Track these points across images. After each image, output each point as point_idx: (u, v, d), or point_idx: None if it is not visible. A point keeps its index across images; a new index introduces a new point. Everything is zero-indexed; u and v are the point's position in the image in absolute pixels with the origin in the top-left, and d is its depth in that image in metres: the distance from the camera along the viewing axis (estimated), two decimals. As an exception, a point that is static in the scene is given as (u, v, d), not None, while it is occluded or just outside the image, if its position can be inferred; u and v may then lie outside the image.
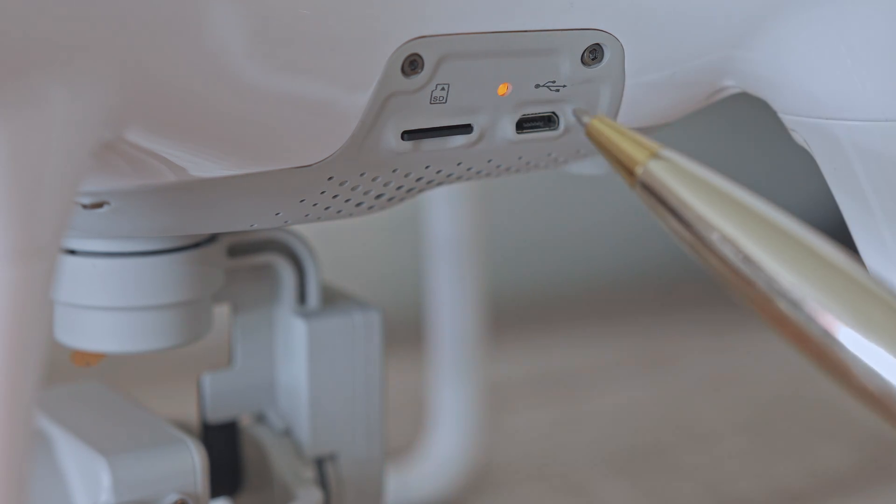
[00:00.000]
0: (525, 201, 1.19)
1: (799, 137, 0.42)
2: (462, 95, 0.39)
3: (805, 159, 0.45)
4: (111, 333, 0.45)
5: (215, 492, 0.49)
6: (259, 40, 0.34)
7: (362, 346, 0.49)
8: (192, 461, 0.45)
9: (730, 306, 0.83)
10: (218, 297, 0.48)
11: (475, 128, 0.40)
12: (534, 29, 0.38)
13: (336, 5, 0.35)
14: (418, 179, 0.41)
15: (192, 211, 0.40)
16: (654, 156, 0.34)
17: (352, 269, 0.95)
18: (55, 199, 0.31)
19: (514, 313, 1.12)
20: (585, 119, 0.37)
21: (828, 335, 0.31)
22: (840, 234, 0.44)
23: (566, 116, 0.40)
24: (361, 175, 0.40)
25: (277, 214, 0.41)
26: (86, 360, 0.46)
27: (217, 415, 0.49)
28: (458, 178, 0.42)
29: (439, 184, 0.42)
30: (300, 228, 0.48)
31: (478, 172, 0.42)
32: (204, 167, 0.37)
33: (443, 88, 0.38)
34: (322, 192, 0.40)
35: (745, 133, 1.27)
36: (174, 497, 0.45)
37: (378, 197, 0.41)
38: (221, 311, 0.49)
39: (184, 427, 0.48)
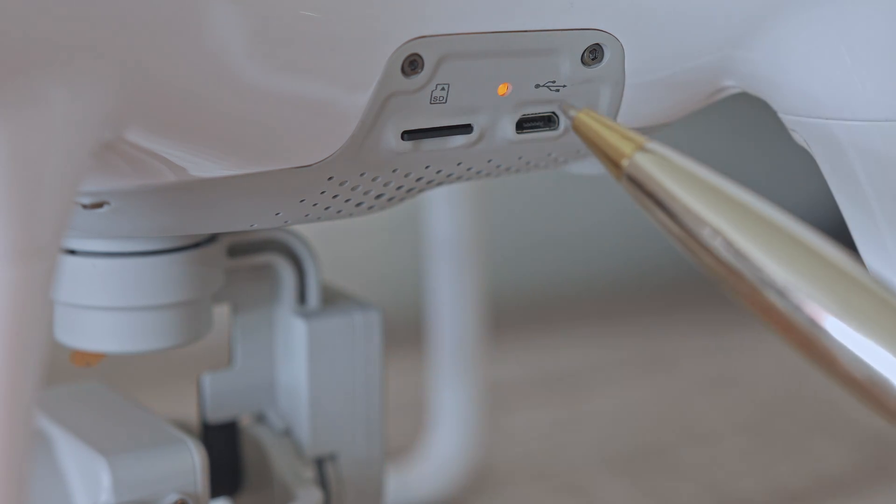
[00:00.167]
0: (525, 201, 1.19)
1: (799, 137, 0.42)
2: (462, 95, 0.39)
3: (805, 159, 0.45)
4: (111, 333, 0.45)
5: (215, 492, 0.49)
6: (259, 40, 0.34)
7: (362, 346, 0.49)
8: (192, 461, 0.45)
9: (730, 306, 0.83)
10: (218, 297, 0.48)
11: (475, 128, 0.40)
12: (534, 29, 0.38)
13: (336, 5, 0.35)
14: (418, 179, 0.41)
15: (192, 211, 0.40)
16: (640, 148, 0.35)
17: (352, 269, 0.95)
18: (55, 199, 0.31)
19: (514, 313, 1.12)
20: (572, 113, 0.37)
21: (814, 324, 0.31)
22: (840, 234, 0.44)
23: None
24: (361, 175, 0.40)
25: (277, 214, 0.41)
26: (86, 360, 0.46)
27: (217, 415, 0.49)
28: (458, 178, 0.42)
29: (439, 184, 0.42)
30: (300, 228, 0.48)
31: (478, 172, 0.42)
32: (204, 167, 0.37)
33: (443, 88, 0.38)
34: (322, 192, 0.40)
35: (745, 133, 1.27)
36: (174, 497, 0.45)
37: (378, 197, 0.41)
38: (221, 311, 0.49)
39: (184, 427, 0.48)
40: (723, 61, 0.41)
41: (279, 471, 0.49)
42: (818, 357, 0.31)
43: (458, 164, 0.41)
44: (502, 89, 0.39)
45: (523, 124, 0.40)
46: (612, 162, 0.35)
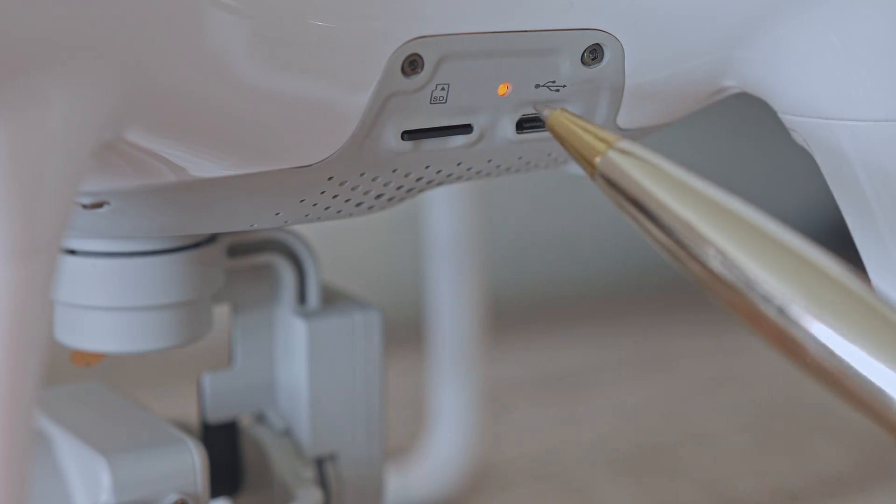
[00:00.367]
0: (525, 201, 1.19)
1: (799, 137, 0.42)
2: (462, 95, 0.39)
3: (805, 159, 0.45)
4: (111, 333, 0.45)
5: (215, 492, 0.49)
6: (259, 41, 0.34)
7: (362, 346, 0.49)
8: (192, 461, 0.45)
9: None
10: (218, 297, 0.48)
11: (475, 128, 0.40)
12: (534, 29, 0.38)
13: (336, 5, 0.35)
14: (418, 179, 0.41)
15: (192, 211, 0.40)
16: (613, 147, 0.35)
17: (352, 269, 0.95)
18: (55, 199, 0.31)
19: (514, 313, 1.12)
20: (546, 112, 0.38)
21: (781, 314, 0.31)
22: (840, 235, 0.44)
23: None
24: (361, 175, 0.40)
25: (277, 214, 0.41)
26: (86, 360, 0.46)
27: (217, 415, 0.49)
28: (458, 178, 0.42)
29: (439, 184, 0.42)
30: (300, 228, 0.48)
31: (478, 172, 0.42)
32: (204, 167, 0.37)
33: (443, 88, 0.38)
34: (322, 192, 0.40)
35: (745, 133, 1.27)
36: (174, 497, 0.45)
37: (378, 197, 0.41)
38: (221, 311, 0.49)
39: (184, 427, 0.48)
40: (723, 61, 0.41)
41: (279, 471, 0.49)
42: (786, 346, 0.31)
43: (458, 164, 0.41)
44: (502, 89, 0.39)
45: (523, 124, 0.40)
46: (585, 160, 0.36)
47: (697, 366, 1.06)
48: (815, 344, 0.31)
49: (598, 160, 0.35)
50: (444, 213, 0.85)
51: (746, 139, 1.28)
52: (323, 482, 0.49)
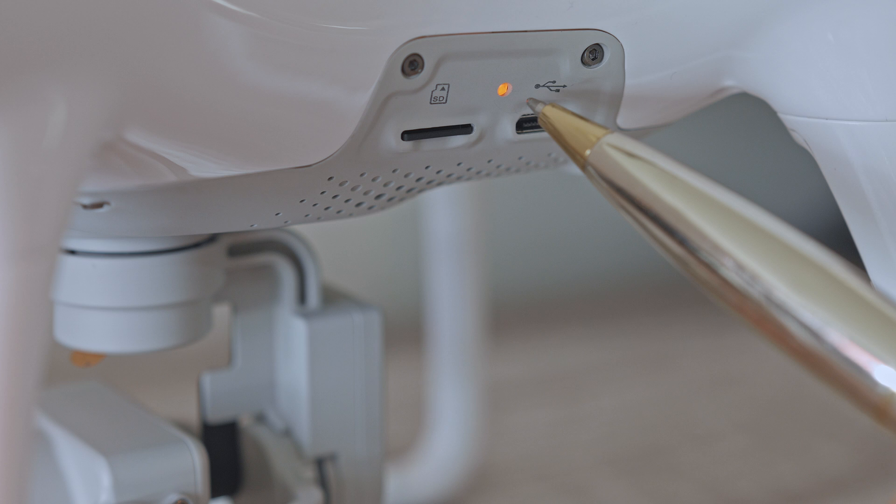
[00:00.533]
0: (525, 201, 1.19)
1: (799, 137, 0.42)
2: (462, 95, 0.39)
3: (805, 159, 0.45)
4: (111, 333, 0.45)
5: (215, 492, 0.49)
6: (259, 42, 0.34)
7: (362, 346, 0.49)
8: (192, 461, 0.45)
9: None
10: (218, 297, 0.48)
11: (475, 128, 0.40)
12: (534, 29, 0.38)
13: (336, 6, 0.35)
14: (418, 179, 0.41)
15: (193, 211, 0.40)
16: (603, 139, 0.36)
17: (352, 269, 0.95)
18: (55, 199, 0.31)
19: (514, 313, 1.12)
20: (538, 107, 0.38)
21: (766, 298, 0.31)
22: (840, 235, 0.44)
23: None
24: (361, 175, 0.40)
25: (277, 214, 0.41)
26: (86, 360, 0.46)
27: (217, 415, 0.49)
28: (458, 178, 0.42)
29: (439, 184, 0.42)
30: (300, 228, 0.48)
31: (478, 172, 0.42)
32: (204, 167, 0.37)
33: (443, 88, 0.38)
34: (322, 193, 0.40)
35: (745, 133, 1.27)
36: (174, 497, 0.45)
37: (378, 197, 0.41)
38: (221, 311, 0.49)
39: (184, 427, 0.48)
40: (723, 61, 0.41)
41: (279, 471, 0.49)
42: (770, 332, 0.32)
43: (458, 164, 0.41)
44: (502, 89, 0.39)
45: (523, 124, 0.40)
46: (576, 153, 0.37)
47: (697, 366, 1.06)
48: (799, 328, 0.31)
49: (588, 152, 0.36)
50: (444, 212, 0.85)
51: (746, 139, 1.28)
52: (323, 482, 0.49)
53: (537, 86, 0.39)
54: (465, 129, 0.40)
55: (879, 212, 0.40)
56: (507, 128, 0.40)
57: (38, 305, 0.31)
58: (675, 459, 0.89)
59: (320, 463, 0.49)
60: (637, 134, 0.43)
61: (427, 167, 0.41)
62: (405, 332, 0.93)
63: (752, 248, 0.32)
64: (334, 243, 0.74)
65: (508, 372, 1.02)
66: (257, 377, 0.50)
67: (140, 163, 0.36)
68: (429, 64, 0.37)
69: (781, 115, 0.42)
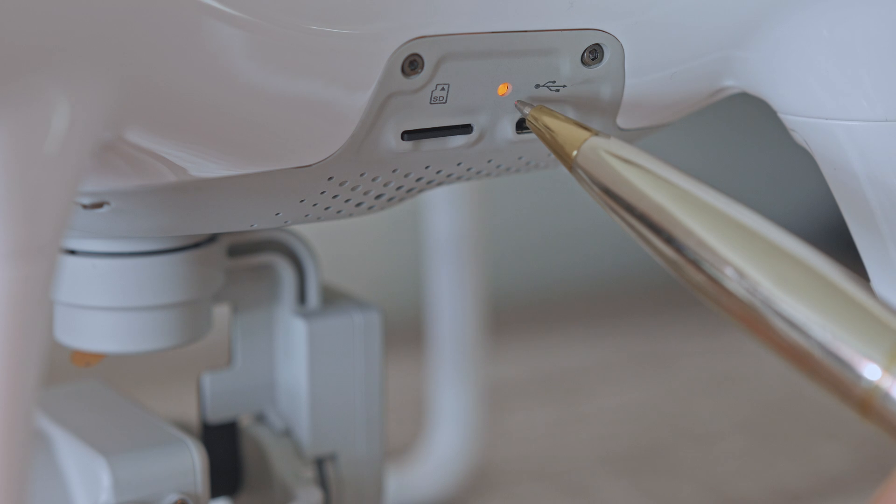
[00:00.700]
0: (525, 201, 1.19)
1: (799, 137, 0.42)
2: (462, 95, 0.39)
3: (805, 159, 0.45)
4: (111, 333, 0.45)
5: (215, 492, 0.49)
6: (258, 44, 0.34)
7: (362, 346, 0.49)
8: (192, 461, 0.45)
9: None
10: (218, 297, 0.48)
11: (475, 128, 0.40)
12: (534, 29, 0.38)
13: (336, 7, 0.35)
14: (418, 179, 0.41)
15: (192, 211, 0.40)
16: (589, 140, 0.36)
17: (352, 269, 0.95)
18: (55, 198, 0.31)
19: (514, 313, 1.12)
20: (526, 110, 0.39)
21: (751, 294, 0.32)
22: (841, 236, 0.44)
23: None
24: (361, 175, 0.40)
25: (277, 214, 0.41)
26: (86, 360, 0.46)
27: (217, 415, 0.49)
28: (458, 178, 0.42)
29: (439, 184, 0.42)
30: (300, 228, 0.48)
31: (478, 172, 0.42)
32: (204, 167, 0.37)
33: (443, 88, 0.38)
34: (322, 193, 0.40)
35: (745, 133, 1.27)
36: (174, 497, 0.45)
37: (378, 197, 0.41)
38: (221, 311, 0.49)
39: (184, 427, 0.48)
40: (723, 61, 0.41)
41: (279, 471, 0.49)
42: (756, 328, 0.32)
43: (458, 164, 0.41)
44: (502, 89, 0.39)
45: (523, 124, 0.40)
46: (563, 154, 0.37)
47: (697, 366, 1.06)
48: (784, 324, 0.31)
49: (575, 153, 0.36)
50: (444, 212, 0.85)
51: (746, 139, 1.28)
52: (323, 482, 0.49)
53: (537, 86, 0.39)
54: (465, 129, 0.40)
55: (880, 212, 0.40)
56: (507, 128, 0.40)
57: (38, 305, 0.31)
58: (675, 459, 0.89)
59: (320, 463, 0.49)
60: (637, 134, 0.43)
61: (427, 167, 0.41)
62: (405, 332, 0.93)
63: (737, 246, 0.33)
64: (334, 243, 0.74)
65: (508, 372, 1.02)
66: (257, 377, 0.50)
67: (140, 163, 0.36)
68: (429, 64, 0.37)
69: (781, 115, 0.42)
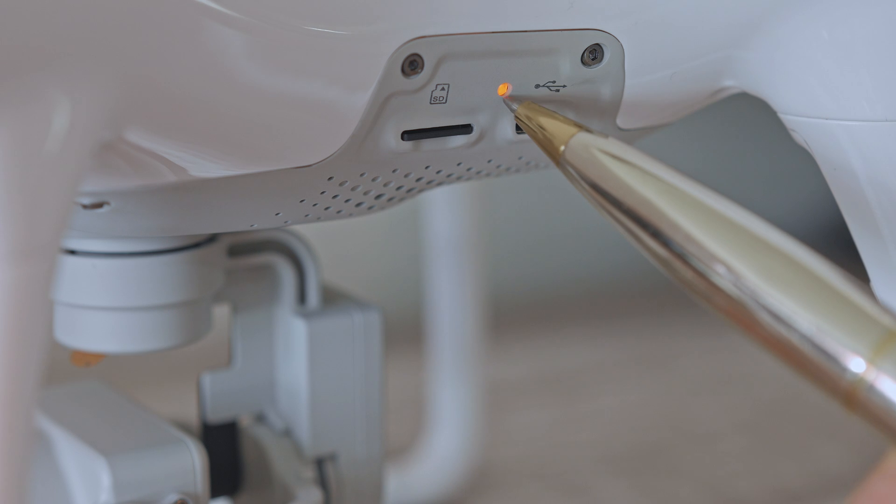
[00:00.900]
0: (525, 201, 1.19)
1: (799, 137, 0.42)
2: (462, 95, 0.39)
3: (805, 159, 0.45)
4: (111, 333, 0.45)
5: (215, 492, 0.49)
6: (258, 44, 0.34)
7: (362, 346, 0.49)
8: (192, 461, 0.45)
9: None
10: (218, 297, 0.48)
11: (475, 128, 0.40)
12: (534, 29, 0.38)
13: (336, 7, 0.35)
14: (418, 179, 0.41)
15: (192, 211, 0.40)
16: (576, 135, 0.37)
17: (352, 269, 0.95)
18: (55, 199, 0.31)
19: (514, 313, 1.12)
20: (514, 106, 0.39)
21: (736, 287, 0.32)
22: (841, 236, 0.44)
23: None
24: (361, 175, 0.40)
25: (277, 214, 0.41)
26: (86, 360, 0.46)
27: (217, 415, 0.49)
28: (458, 178, 0.42)
29: (439, 184, 0.42)
30: (300, 228, 0.48)
31: (478, 172, 0.42)
32: (204, 167, 0.37)
33: (443, 88, 0.38)
34: (322, 193, 0.40)
35: (745, 133, 1.27)
36: (174, 497, 0.45)
37: (378, 197, 0.41)
38: (221, 311, 0.49)
39: (184, 427, 0.48)
40: (723, 61, 0.41)
41: (279, 471, 0.49)
42: (741, 321, 0.32)
43: (458, 164, 0.41)
44: (502, 89, 0.39)
45: (523, 124, 0.40)
46: (551, 150, 0.37)
47: (697, 366, 1.06)
48: (768, 317, 0.31)
49: (562, 148, 0.37)
50: (444, 212, 0.85)
51: (746, 139, 1.28)
52: (323, 482, 0.49)
53: (537, 86, 0.39)
54: (465, 129, 0.40)
55: (880, 213, 0.40)
56: (507, 128, 0.40)
57: (38, 305, 0.31)
58: (675, 459, 0.89)
59: (320, 463, 0.49)
60: (637, 134, 0.43)
61: (427, 167, 0.41)
62: (405, 332, 0.93)
63: (723, 239, 0.33)
64: (334, 243, 0.74)
65: (508, 372, 1.02)
66: (257, 377, 0.50)
67: (140, 163, 0.36)
68: (429, 64, 0.37)
69: (781, 115, 0.42)
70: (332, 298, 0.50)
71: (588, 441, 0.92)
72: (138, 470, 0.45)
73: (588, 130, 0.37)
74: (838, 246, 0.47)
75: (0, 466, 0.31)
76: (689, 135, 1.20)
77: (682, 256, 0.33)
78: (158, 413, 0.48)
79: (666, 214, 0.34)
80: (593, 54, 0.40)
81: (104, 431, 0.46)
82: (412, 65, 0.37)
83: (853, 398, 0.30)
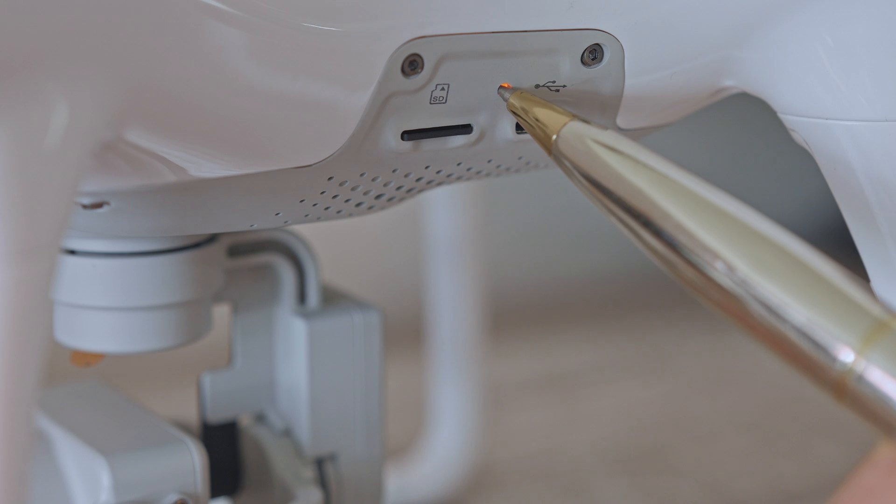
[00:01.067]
0: (525, 201, 1.19)
1: (799, 137, 0.42)
2: (462, 95, 0.39)
3: (805, 159, 0.45)
4: (111, 333, 0.45)
5: (215, 492, 0.49)
6: (258, 44, 0.34)
7: (362, 346, 0.49)
8: (192, 461, 0.45)
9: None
10: (218, 297, 0.48)
11: (475, 128, 0.40)
12: (534, 29, 0.38)
13: (336, 7, 0.35)
14: (418, 179, 0.41)
15: (192, 211, 0.40)
16: (568, 124, 0.37)
17: (352, 269, 0.95)
18: (55, 199, 0.31)
19: (514, 313, 1.12)
20: (507, 95, 0.39)
21: (727, 278, 0.32)
22: (841, 235, 0.44)
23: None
24: (361, 175, 0.40)
25: (277, 214, 0.41)
26: (86, 360, 0.46)
27: (217, 415, 0.49)
28: (458, 178, 0.42)
29: (439, 184, 0.42)
30: (300, 228, 0.48)
31: (478, 172, 0.42)
32: (204, 167, 0.37)
33: (443, 88, 0.38)
34: (322, 193, 0.40)
35: (746, 133, 1.27)
36: (174, 497, 0.45)
37: (378, 197, 0.41)
38: (221, 311, 0.49)
39: (184, 427, 0.48)
40: (722, 61, 0.41)
41: (279, 471, 0.49)
42: (733, 314, 0.32)
43: (458, 164, 0.41)
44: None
45: (523, 124, 0.40)
46: (543, 139, 0.37)
47: (697, 366, 1.06)
48: (759, 308, 0.31)
49: (555, 137, 0.37)
50: (444, 212, 0.85)
51: (746, 139, 1.28)
52: (323, 482, 0.49)
53: (537, 86, 0.39)
54: (465, 129, 0.40)
55: (879, 212, 0.40)
56: (507, 128, 0.40)
57: (38, 305, 0.31)
58: (675, 459, 0.89)
59: (320, 463, 0.49)
60: (637, 134, 0.43)
61: (427, 167, 0.41)
62: (405, 332, 0.93)
63: (714, 229, 0.33)
64: (334, 243, 0.74)
65: (508, 372, 1.02)
66: (257, 377, 0.50)
67: (140, 163, 0.36)
68: (429, 64, 0.37)
69: (781, 115, 0.42)
70: (332, 298, 0.50)
71: (588, 441, 0.92)
72: (138, 470, 0.45)
73: (582, 120, 0.37)
74: (838, 245, 0.47)
75: (0, 466, 0.31)
76: (689, 134, 1.20)
77: (673, 246, 0.33)
78: (158, 413, 0.48)
79: (657, 204, 0.33)
80: (593, 54, 0.40)
81: (104, 431, 0.46)
82: (412, 65, 0.37)
83: (842, 389, 0.30)
